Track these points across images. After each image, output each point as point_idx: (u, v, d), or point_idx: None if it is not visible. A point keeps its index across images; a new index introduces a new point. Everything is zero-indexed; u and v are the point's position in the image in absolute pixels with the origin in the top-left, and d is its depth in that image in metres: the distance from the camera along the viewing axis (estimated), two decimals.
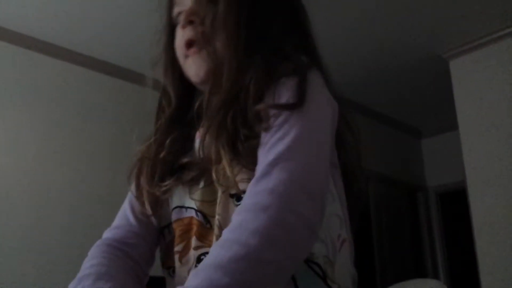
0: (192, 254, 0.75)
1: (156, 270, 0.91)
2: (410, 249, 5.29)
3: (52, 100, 3.60)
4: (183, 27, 0.81)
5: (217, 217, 0.72)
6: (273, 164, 0.64)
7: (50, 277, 3.25)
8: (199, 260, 0.74)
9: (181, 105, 0.85)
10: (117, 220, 0.89)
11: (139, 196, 0.84)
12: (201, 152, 0.74)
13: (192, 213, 0.77)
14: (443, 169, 5.40)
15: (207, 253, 0.64)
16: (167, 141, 0.81)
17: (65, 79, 3.70)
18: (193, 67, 0.80)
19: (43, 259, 3.28)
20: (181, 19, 0.82)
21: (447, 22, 3.53)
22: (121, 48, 3.73)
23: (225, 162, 0.69)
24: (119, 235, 0.85)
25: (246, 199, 0.63)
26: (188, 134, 0.82)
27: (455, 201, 5.06)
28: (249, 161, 0.69)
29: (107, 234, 0.87)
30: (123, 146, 3.78)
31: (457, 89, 3.88)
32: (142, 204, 0.83)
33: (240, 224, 0.60)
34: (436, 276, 5.30)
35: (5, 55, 3.45)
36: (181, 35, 0.82)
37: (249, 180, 0.68)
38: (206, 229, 0.75)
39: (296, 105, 0.69)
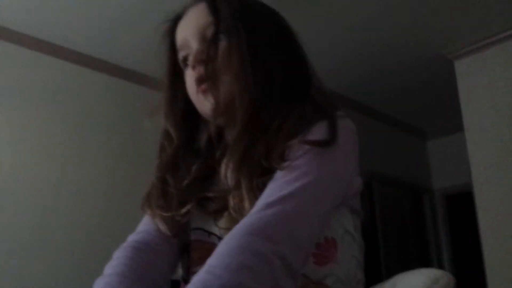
0: None
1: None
2: (416, 252, 5.26)
3: (56, 100, 3.61)
4: (193, 67, 0.85)
5: None
6: (272, 204, 0.69)
7: (56, 274, 3.27)
8: None
9: (183, 142, 0.89)
10: (143, 226, 0.92)
11: (154, 221, 0.88)
12: (226, 184, 0.78)
13: (214, 240, 0.82)
14: (449, 170, 5.37)
15: None
16: (193, 169, 0.86)
17: (70, 79, 3.71)
18: (206, 103, 0.84)
19: (49, 256, 3.29)
20: (190, 60, 0.86)
21: (452, 22, 3.50)
22: (123, 47, 3.73)
23: (244, 193, 0.73)
24: (146, 239, 0.88)
25: (238, 229, 0.67)
26: (206, 166, 0.87)
27: (461, 203, 5.03)
28: None
29: (133, 237, 0.89)
30: (127, 145, 3.82)
31: (462, 90, 3.85)
32: (158, 228, 0.87)
33: (229, 254, 0.65)
34: None
35: (12, 56, 3.47)
36: (192, 75, 0.86)
37: None
38: None
39: (326, 143, 0.74)
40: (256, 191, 0.73)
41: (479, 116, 3.71)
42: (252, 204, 0.71)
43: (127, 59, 3.86)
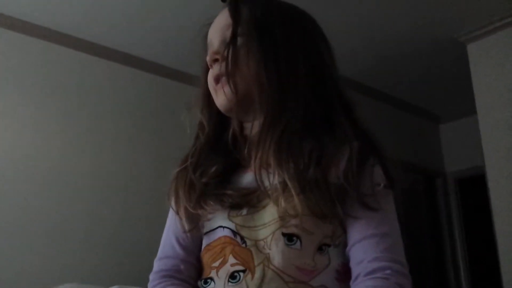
0: (227, 269, 0.83)
1: None
2: (429, 236, 5.27)
3: (79, 91, 3.67)
4: (210, 66, 0.92)
5: (268, 251, 0.81)
6: (388, 259, 0.79)
7: (73, 266, 3.32)
8: (232, 276, 0.82)
9: (214, 133, 0.96)
10: (164, 251, 0.97)
11: (178, 211, 0.92)
12: (259, 183, 0.83)
13: (228, 233, 0.85)
14: (461, 154, 5.36)
15: (241, 270, 0.80)
16: (212, 170, 0.90)
17: (92, 71, 3.77)
18: (219, 99, 0.91)
19: (68, 248, 3.34)
20: (207, 59, 0.93)
21: (464, 4, 3.48)
22: (138, 38, 3.75)
23: (295, 197, 0.78)
24: (170, 265, 0.94)
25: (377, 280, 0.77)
26: (230, 163, 0.92)
27: (474, 187, 5.03)
28: (318, 210, 0.79)
29: (158, 266, 0.96)
30: (150, 138, 3.88)
31: (475, 73, 3.83)
32: (181, 219, 0.92)
33: None
34: (455, 263, 5.28)
35: (37, 50, 3.53)
36: (210, 73, 0.93)
37: (308, 230, 0.80)
38: (242, 248, 0.83)
39: (390, 188, 0.85)
40: (309, 205, 0.78)
41: (492, 99, 3.69)
42: (304, 208, 0.78)
43: (151, 52, 3.91)
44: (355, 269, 0.80)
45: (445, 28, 3.78)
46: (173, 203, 0.93)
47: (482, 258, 5.12)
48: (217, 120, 0.96)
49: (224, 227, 0.86)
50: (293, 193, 0.78)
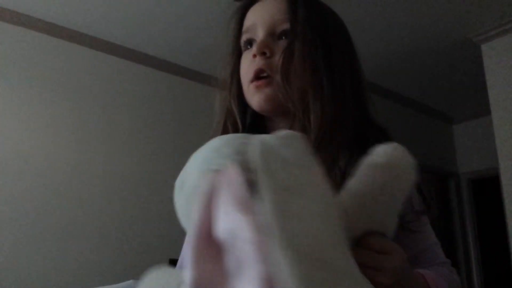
0: None
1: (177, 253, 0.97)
2: (441, 237, 5.22)
3: (91, 88, 3.69)
4: (254, 56, 0.85)
5: None
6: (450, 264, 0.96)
7: (85, 263, 3.34)
8: None
9: (245, 129, 0.89)
10: (183, 261, 0.94)
11: None
12: None
13: None
14: (475, 155, 5.33)
15: None
16: None
17: (105, 69, 3.79)
18: (258, 96, 0.84)
19: (80, 246, 3.36)
20: (254, 48, 0.86)
21: (478, 5, 3.46)
22: (140, 33, 3.77)
23: None
24: None
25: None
26: None
27: (488, 188, 5.00)
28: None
29: None
30: (157, 135, 3.89)
31: (489, 74, 3.81)
32: None
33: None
34: (467, 264, 5.25)
35: (50, 48, 3.56)
36: (250, 63, 0.86)
37: None
38: None
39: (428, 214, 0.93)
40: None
41: (506, 99, 3.67)
42: None
43: (166, 50, 3.93)
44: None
45: (459, 28, 3.76)
46: None
47: (495, 260, 5.08)
48: (246, 111, 0.90)
49: None
50: None
